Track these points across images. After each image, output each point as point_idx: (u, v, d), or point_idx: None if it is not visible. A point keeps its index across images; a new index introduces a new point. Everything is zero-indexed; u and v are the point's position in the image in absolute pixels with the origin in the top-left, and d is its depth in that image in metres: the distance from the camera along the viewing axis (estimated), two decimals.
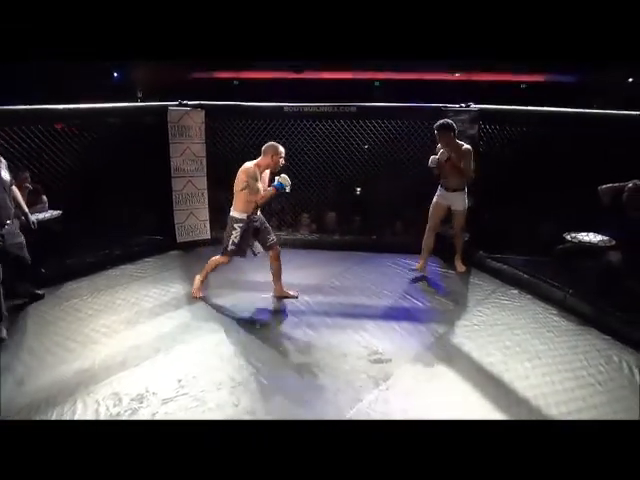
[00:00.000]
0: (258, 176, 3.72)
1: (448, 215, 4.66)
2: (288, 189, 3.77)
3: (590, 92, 8.30)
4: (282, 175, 3.76)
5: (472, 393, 2.89)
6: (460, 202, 4.50)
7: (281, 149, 3.77)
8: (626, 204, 4.00)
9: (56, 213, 4.47)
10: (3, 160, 3.58)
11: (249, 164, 3.74)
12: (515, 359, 3.26)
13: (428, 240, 4.67)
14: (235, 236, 3.82)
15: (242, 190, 3.72)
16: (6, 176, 3.52)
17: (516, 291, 4.31)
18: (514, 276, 4.52)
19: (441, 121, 4.35)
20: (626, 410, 2.71)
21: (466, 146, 4.34)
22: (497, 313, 3.92)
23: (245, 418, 2.64)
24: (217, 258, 3.98)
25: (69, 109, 4.36)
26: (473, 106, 4.97)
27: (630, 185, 3.98)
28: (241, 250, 3.92)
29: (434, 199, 4.59)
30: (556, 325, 3.73)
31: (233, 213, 3.83)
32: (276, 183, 3.73)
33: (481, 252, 4.98)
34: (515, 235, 4.83)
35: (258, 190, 3.70)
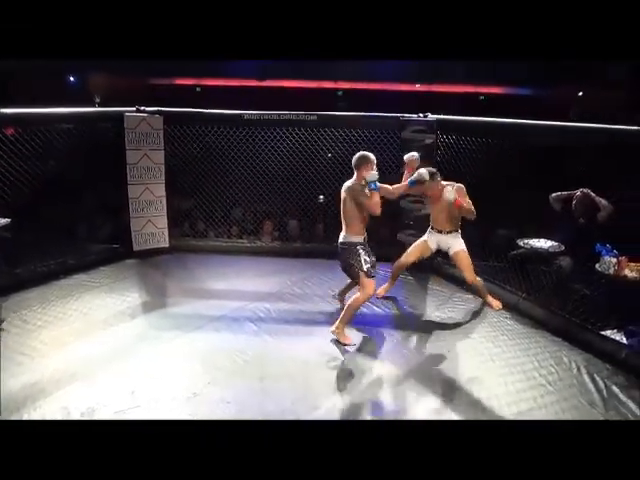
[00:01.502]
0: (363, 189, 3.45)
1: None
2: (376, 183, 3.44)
3: (544, 105, 8.62)
4: (371, 172, 3.42)
5: (428, 396, 2.93)
6: (458, 242, 4.12)
7: (372, 157, 3.49)
8: (574, 211, 4.18)
9: (4, 221, 4.29)
10: None
11: (350, 183, 3.49)
12: (470, 362, 3.33)
13: (395, 274, 4.35)
14: (365, 254, 3.49)
15: (355, 209, 3.43)
16: None
17: (472, 296, 4.42)
18: None
19: (429, 168, 3.94)
20: (573, 408, 2.81)
21: (458, 185, 3.98)
22: (454, 317, 4.00)
23: None
24: (360, 296, 3.50)
25: (19, 114, 4.21)
26: (431, 116, 5.09)
27: (578, 193, 4.17)
28: (374, 267, 3.58)
29: (423, 237, 4.26)
30: (509, 328, 3.83)
31: (350, 238, 3.51)
32: (370, 185, 3.42)
33: (439, 258, 5.06)
34: (471, 241, 4.94)
35: (370, 197, 3.39)
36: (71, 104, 4.78)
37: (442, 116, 5.08)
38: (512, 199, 4.55)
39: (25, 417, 2.62)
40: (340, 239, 3.58)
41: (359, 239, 3.53)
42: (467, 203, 3.89)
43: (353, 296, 3.55)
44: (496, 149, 4.75)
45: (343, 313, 3.54)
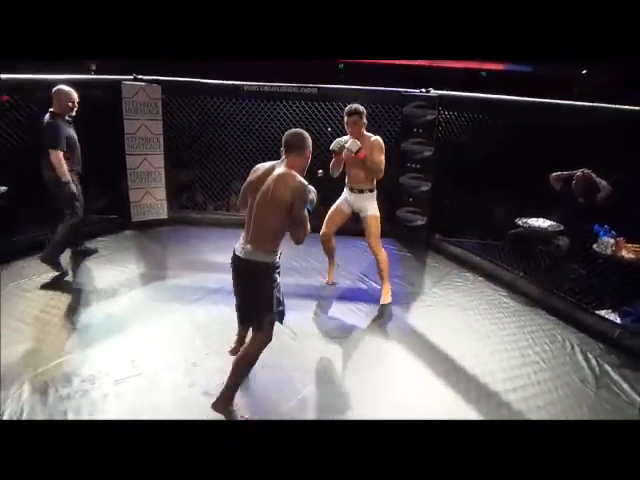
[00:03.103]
0: None
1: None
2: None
3: (546, 82, 8.52)
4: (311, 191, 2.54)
5: (423, 370, 2.99)
6: (371, 205, 3.72)
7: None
8: (574, 191, 4.19)
9: (1, 189, 4.26)
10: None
11: (295, 175, 2.31)
12: (466, 338, 3.37)
13: (326, 247, 3.99)
14: (277, 289, 2.43)
15: (284, 216, 2.31)
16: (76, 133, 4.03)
17: (469, 273, 4.46)
18: (468, 259, 4.66)
19: (354, 105, 3.62)
20: (566, 386, 2.87)
21: (376, 137, 3.65)
22: (451, 294, 4.04)
23: (199, 399, 2.62)
24: (252, 348, 2.43)
25: (13, 79, 4.11)
26: (433, 92, 5.03)
27: (578, 173, 4.16)
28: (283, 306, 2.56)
29: (337, 201, 3.89)
30: (506, 306, 3.88)
31: (262, 257, 2.33)
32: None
33: (437, 235, 5.10)
34: (470, 219, 4.96)
35: (307, 221, 2.38)
36: (67, 71, 4.67)
37: (444, 92, 5.02)
38: (512, 178, 4.55)
39: (26, 384, 2.65)
40: (244, 253, 2.34)
41: (274, 258, 2.38)
42: (375, 160, 3.56)
43: (242, 351, 2.46)
44: (497, 126, 4.72)
45: (229, 379, 2.39)
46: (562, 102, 4.11)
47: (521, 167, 4.45)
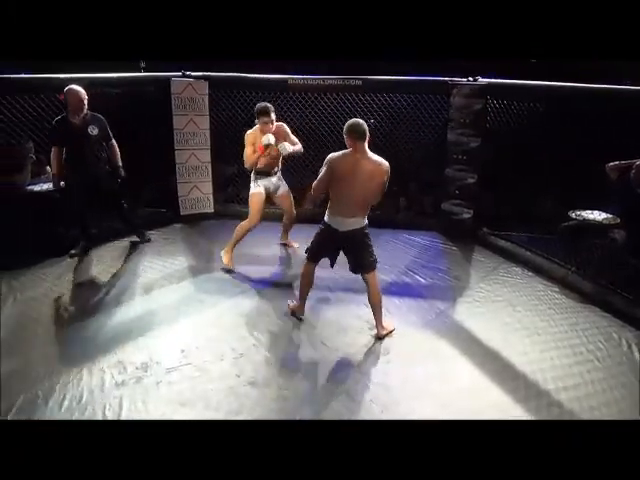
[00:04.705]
0: None
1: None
2: None
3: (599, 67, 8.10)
4: None
5: (470, 366, 2.94)
6: (284, 182, 4.31)
7: None
8: (633, 181, 3.96)
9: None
10: (99, 117, 4.19)
11: (382, 159, 3.01)
12: (515, 335, 3.28)
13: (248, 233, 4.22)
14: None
15: (376, 193, 3.04)
16: (93, 132, 4.11)
17: (518, 268, 4.32)
18: (517, 253, 4.52)
19: (266, 106, 3.93)
20: (622, 386, 2.75)
21: (281, 123, 4.15)
22: (498, 290, 3.93)
23: (247, 389, 2.69)
24: (375, 286, 3.23)
25: (69, 79, 4.29)
26: (480, 80, 4.88)
27: (638, 163, 3.93)
28: None
29: (258, 192, 4.09)
30: (557, 302, 3.74)
31: (364, 222, 3.12)
32: None
33: (485, 229, 4.97)
34: (520, 212, 4.80)
35: None
36: (116, 69, 4.82)
37: (492, 79, 4.86)
38: (565, 168, 4.36)
39: (84, 370, 2.80)
40: (356, 225, 3.08)
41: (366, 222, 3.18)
42: (291, 142, 4.07)
43: (372, 292, 3.22)
44: (548, 114, 4.54)
45: (375, 314, 3.26)
46: (616, 87, 3.91)
47: (574, 157, 4.27)
